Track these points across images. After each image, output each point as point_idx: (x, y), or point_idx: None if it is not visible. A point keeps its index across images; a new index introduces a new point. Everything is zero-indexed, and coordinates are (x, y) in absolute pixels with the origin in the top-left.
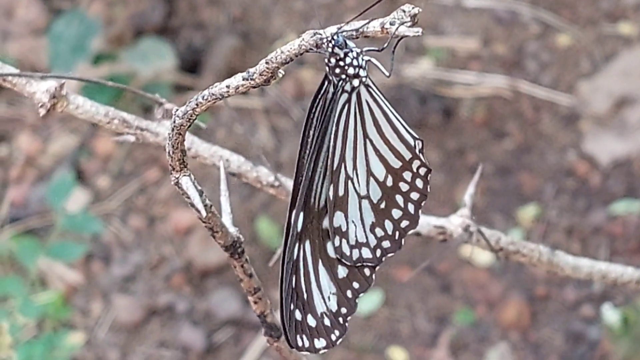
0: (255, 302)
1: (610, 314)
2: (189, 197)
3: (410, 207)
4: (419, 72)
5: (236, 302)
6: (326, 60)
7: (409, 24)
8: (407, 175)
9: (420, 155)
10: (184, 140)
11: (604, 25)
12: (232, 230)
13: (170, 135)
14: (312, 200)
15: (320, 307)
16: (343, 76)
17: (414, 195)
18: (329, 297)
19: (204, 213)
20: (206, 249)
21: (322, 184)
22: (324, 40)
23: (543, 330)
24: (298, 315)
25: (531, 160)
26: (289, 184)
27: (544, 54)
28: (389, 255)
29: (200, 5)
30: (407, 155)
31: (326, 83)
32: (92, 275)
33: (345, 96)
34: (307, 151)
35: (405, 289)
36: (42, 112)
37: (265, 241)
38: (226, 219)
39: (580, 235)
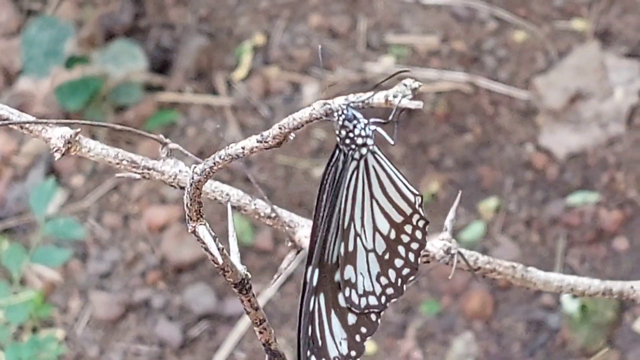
0: (261, 332)
1: (570, 303)
2: (204, 244)
3: (411, 256)
4: (381, 69)
5: (210, 297)
6: (337, 132)
7: (410, 96)
8: (408, 228)
9: (420, 210)
10: (200, 194)
11: (557, 21)
12: (240, 268)
13: (189, 190)
14: (326, 257)
15: (332, 352)
16: (352, 146)
17: (414, 245)
18: (340, 342)
19: (220, 260)
20: (180, 245)
21: (335, 242)
22: (334, 112)
23: (505, 320)
24: None
25: (491, 154)
26: (285, 214)
27: (501, 50)
28: (392, 300)
29: (167, 6)
30: (408, 210)
31: (337, 152)
32: (69, 273)
33: (354, 163)
34: (321, 214)
35: None
36: (57, 156)
37: (237, 237)
38: (234, 258)
39: (539, 226)
